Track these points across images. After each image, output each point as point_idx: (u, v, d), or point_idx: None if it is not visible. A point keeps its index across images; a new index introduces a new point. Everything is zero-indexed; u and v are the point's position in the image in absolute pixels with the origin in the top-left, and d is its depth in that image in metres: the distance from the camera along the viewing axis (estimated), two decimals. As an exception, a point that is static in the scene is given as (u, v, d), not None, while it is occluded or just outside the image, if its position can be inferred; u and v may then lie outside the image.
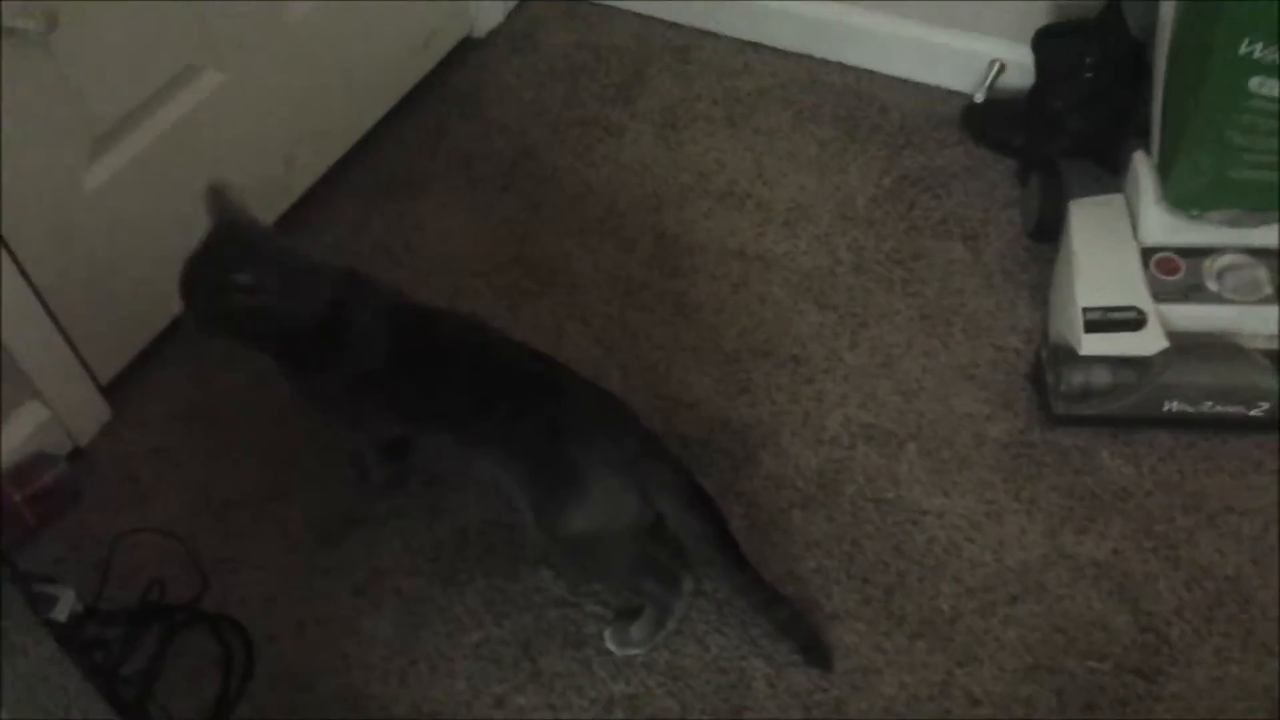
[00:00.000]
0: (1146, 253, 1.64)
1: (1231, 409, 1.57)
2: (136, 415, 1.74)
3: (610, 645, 1.48)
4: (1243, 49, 1.41)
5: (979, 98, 2.01)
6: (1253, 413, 1.57)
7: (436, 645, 1.50)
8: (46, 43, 1.44)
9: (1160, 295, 1.61)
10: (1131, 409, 1.59)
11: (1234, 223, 1.61)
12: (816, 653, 1.44)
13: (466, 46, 2.24)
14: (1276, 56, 1.41)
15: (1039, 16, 1.90)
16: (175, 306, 1.79)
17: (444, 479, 1.62)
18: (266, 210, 1.92)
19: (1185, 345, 1.58)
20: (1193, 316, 1.60)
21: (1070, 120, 1.82)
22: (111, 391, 1.74)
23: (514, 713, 1.44)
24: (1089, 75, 1.78)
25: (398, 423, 1.51)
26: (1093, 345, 1.60)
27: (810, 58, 2.17)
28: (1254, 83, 1.45)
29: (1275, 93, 1.44)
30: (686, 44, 2.21)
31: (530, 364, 1.40)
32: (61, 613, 1.48)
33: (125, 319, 1.75)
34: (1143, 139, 1.68)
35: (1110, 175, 1.76)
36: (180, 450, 1.70)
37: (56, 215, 1.59)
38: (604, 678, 1.46)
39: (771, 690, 1.44)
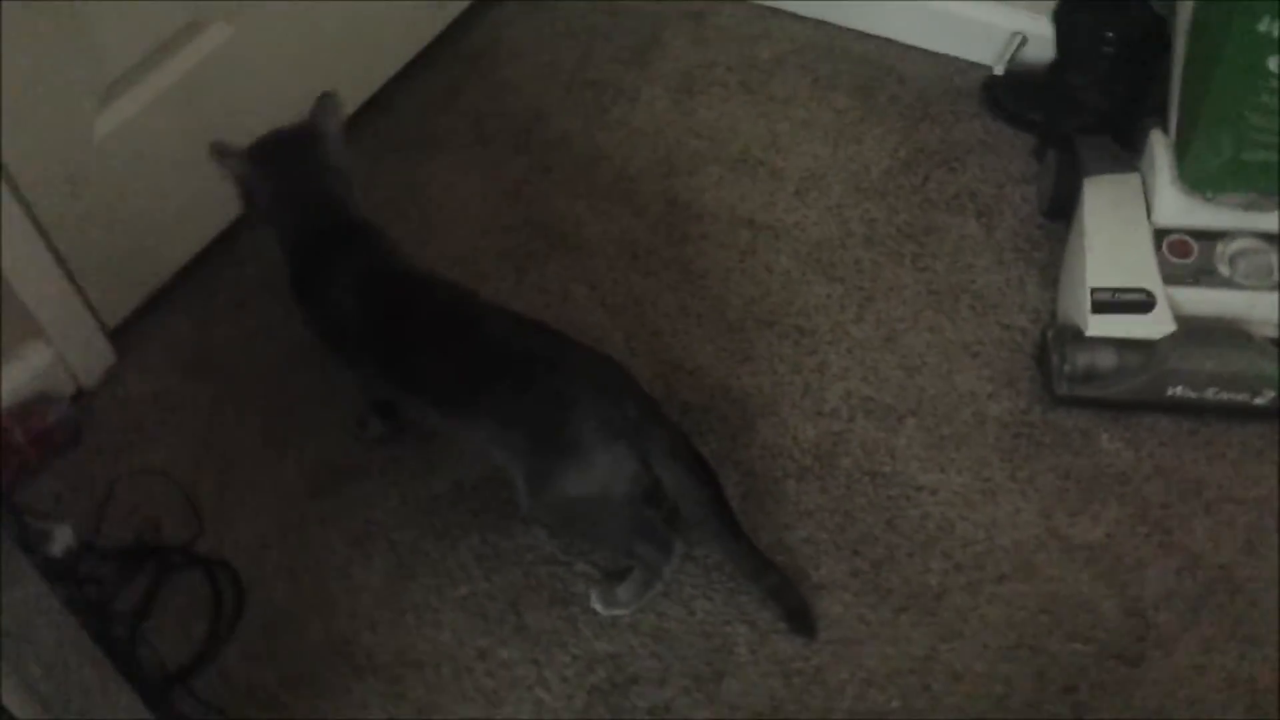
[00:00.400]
0: (1160, 234, 1.62)
1: (1236, 396, 1.55)
2: (141, 360, 1.76)
3: (596, 605, 1.49)
4: (1262, 26, 1.38)
5: (998, 70, 1.97)
6: (1257, 401, 1.55)
7: (425, 596, 1.51)
8: (56, -11, 1.45)
9: (1171, 278, 1.58)
10: (1135, 392, 1.57)
11: (1249, 206, 1.58)
12: (802, 621, 1.44)
13: (482, 5, 2.23)
14: (1296, 35, 1.38)
15: (1064, -11, 1.87)
16: (183, 254, 1.83)
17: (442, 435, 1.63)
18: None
19: (1193, 330, 1.56)
20: (1202, 300, 1.57)
21: (1089, 96, 1.79)
22: (117, 336, 1.76)
23: (497, 665, 1.45)
24: (1109, 50, 1.74)
25: (381, 384, 1.53)
26: (1099, 326, 1.58)
27: (830, 25, 2.14)
28: (1273, 62, 1.42)
29: (1293, 72, 1.41)
30: (704, 8, 2.18)
31: (527, 338, 1.41)
32: (58, 548, 1.51)
33: (133, 265, 1.77)
34: (1161, 117, 1.65)
35: (1128, 153, 1.73)
36: (182, 396, 1.72)
37: (67, 161, 1.60)
38: (588, 636, 1.47)
39: (753, 656, 1.44)
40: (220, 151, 1.48)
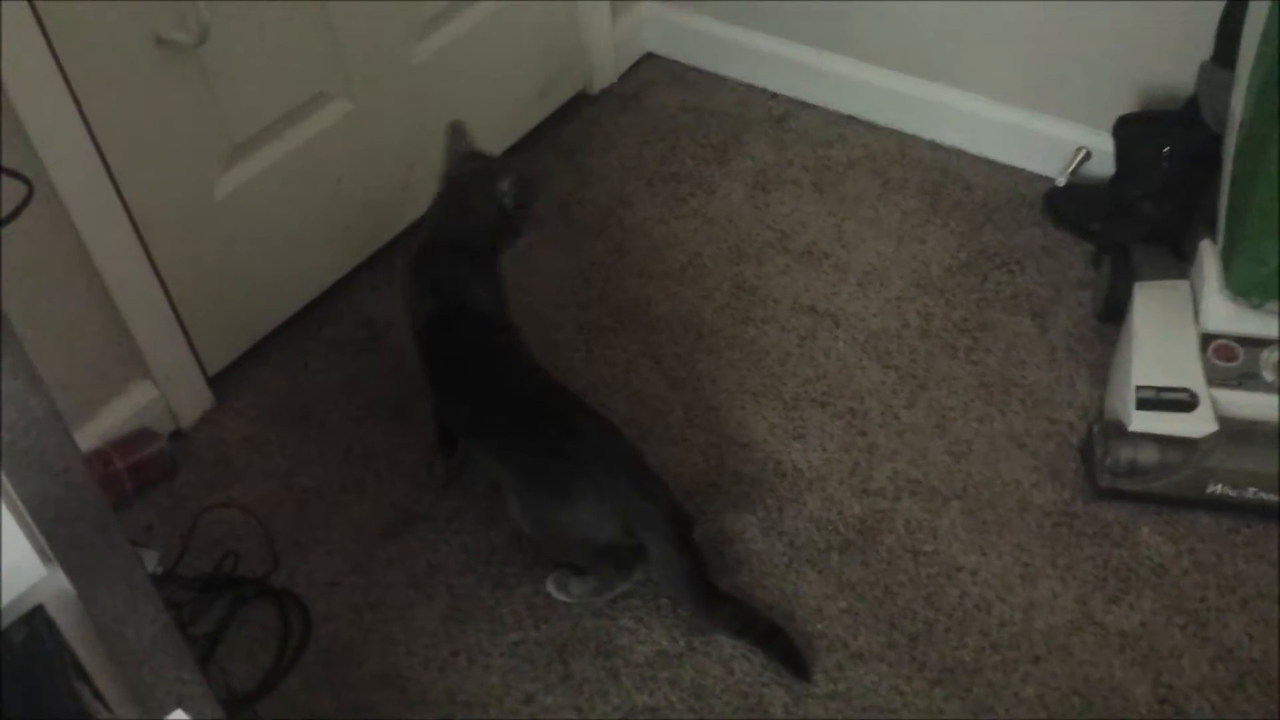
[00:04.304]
0: (1206, 338, 1.67)
1: (1275, 497, 1.57)
2: (236, 406, 1.90)
3: (550, 587, 1.62)
4: (1303, 143, 1.45)
5: (1061, 182, 2.06)
6: (1297, 503, 1.57)
7: (478, 640, 1.59)
8: (196, 55, 1.63)
9: (1215, 380, 1.63)
10: (1176, 488, 1.61)
11: (1294, 315, 1.63)
12: (796, 663, 1.51)
13: (580, 101, 2.39)
14: (1334, 151, 1.44)
15: (1127, 106, 1.96)
16: (284, 311, 1.98)
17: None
18: (382, 228, 2.09)
19: (1235, 431, 1.59)
20: (1245, 404, 1.61)
21: (1146, 207, 1.87)
22: (216, 382, 1.91)
23: (541, 711, 1.52)
24: (1166, 165, 1.82)
25: (433, 393, 1.69)
26: (1143, 422, 1.63)
27: (903, 134, 2.25)
28: (1315, 178, 1.48)
29: (1333, 187, 1.47)
30: (785, 113, 2.32)
31: (551, 389, 1.61)
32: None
33: (238, 317, 1.92)
34: (1212, 228, 1.72)
35: (1181, 262, 1.79)
36: (270, 441, 1.85)
37: (189, 216, 1.77)
38: (629, 688, 1.53)
39: (788, 718, 1.49)
40: (457, 131, 1.72)
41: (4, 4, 1.40)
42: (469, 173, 1.70)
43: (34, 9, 1.45)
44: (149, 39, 1.59)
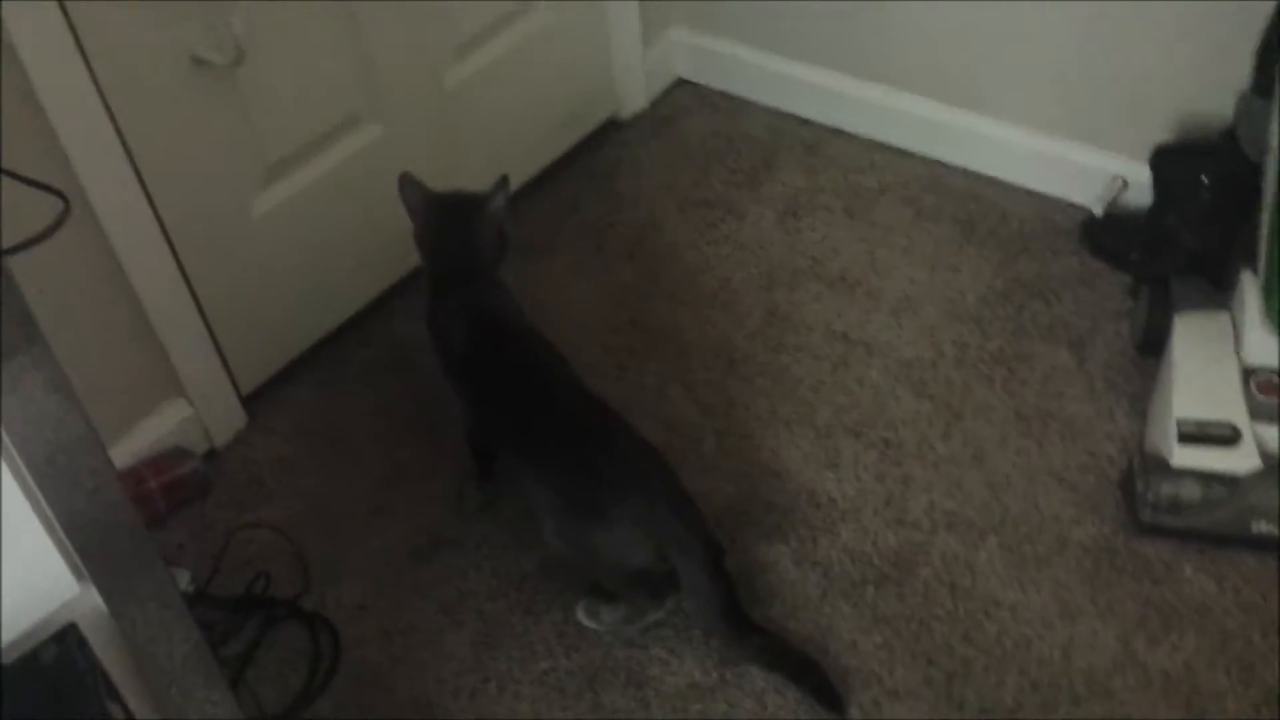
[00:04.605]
0: (1248, 372, 1.64)
1: (1322, 536, 1.55)
2: (268, 426, 1.90)
3: (580, 614, 1.61)
4: (1346, 176, 1.44)
5: (1098, 211, 2.04)
6: (1342, 542, 1.55)
7: (508, 668, 1.58)
8: (232, 76, 1.63)
9: (1258, 415, 1.61)
10: (1219, 525, 1.59)
11: (1338, 350, 1.60)
12: (829, 696, 1.49)
13: (611, 127, 2.39)
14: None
15: (1164, 135, 1.94)
16: (317, 332, 1.98)
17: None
18: (413, 252, 2.07)
19: (1278, 467, 1.57)
20: (1289, 439, 1.59)
21: (1185, 237, 1.84)
22: (250, 401, 1.90)
23: (571, 741, 1.50)
24: (1205, 195, 1.80)
25: (473, 419, 1.69)
26: (1185, 457, 1.60)
27: (936, 161, 2.24)
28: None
29: (1378, 221, 1.45)
30: (817, 140, 2.31)
31: (589, 416, 1.59)
32: (175, 591, 1.62)
33: (272, 338, 1.92)
34: (1253, 259, 1.70)
35: (1220, 293, 1.77)
36: (303, 462, 1.84)
37: (224, 235, 1.77)
38: (660, 719, 1.51)
39: (822, 754, 1.47)
40: (408, 182, 1.68)
41: (43, 24, 1.41)
42: (454, 206, 1.70)
43: (72, 28, 1.46)
44: (185, 59, 1.60)
